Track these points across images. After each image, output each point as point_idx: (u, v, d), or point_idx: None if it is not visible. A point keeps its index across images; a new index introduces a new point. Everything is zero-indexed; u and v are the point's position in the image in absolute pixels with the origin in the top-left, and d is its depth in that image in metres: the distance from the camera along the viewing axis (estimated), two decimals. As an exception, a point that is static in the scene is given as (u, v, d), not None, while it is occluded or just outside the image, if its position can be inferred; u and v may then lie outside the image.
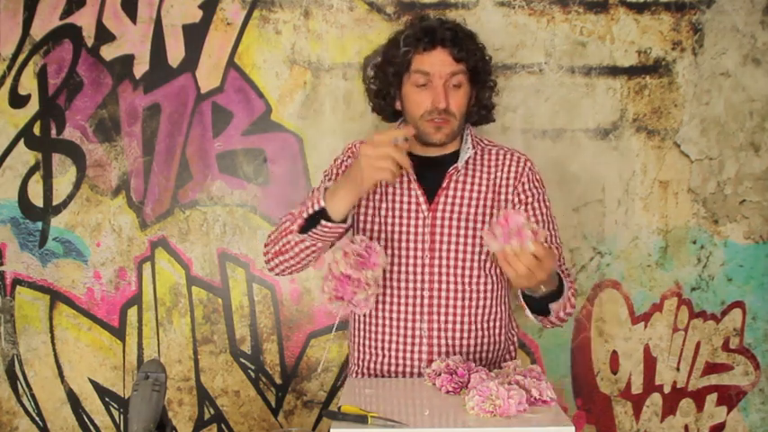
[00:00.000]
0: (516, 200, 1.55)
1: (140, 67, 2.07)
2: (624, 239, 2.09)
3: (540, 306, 1.44)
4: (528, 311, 1.47)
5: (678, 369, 2.11)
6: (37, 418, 2.13)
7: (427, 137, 1.51)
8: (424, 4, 2.03)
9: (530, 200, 1.55)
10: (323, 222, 1.37)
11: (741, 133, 2.07)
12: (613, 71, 2.06)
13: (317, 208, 1.38)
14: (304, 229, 1.41)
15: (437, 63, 1.49)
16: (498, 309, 1.58)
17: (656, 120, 2.07)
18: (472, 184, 1.55)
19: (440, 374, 1.39)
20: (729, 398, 2.12)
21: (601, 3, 2.05)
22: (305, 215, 1.39)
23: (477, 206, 1.54)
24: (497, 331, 1.58)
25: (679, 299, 2.10)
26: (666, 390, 2.12)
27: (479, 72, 1.55)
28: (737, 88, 2.06)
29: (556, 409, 1.23)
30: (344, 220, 1.39)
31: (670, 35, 2.06)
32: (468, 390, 1.27)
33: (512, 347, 1.64)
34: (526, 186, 1.56)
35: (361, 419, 1.17)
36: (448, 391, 1.35)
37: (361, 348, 1.59)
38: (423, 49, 1.50)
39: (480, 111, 1.62)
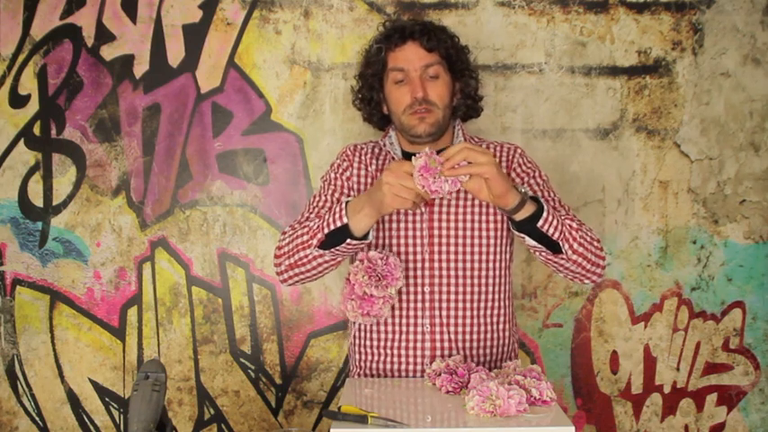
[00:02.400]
0: None
1: (140, 67, 2.07)
2: (624, 239, 2.09)
3: (536, 234, 1.38)
4: (535, 243, 1.40)
5: (678, 369, 2.11)
6: (37, 418, 2.13)
7: (412, 130, 1.52)
8: (424, 4, 2.03)
9: (524, 178, 1.56)
10: (348, 241, 1.38)
11: (741, 133, 2.07)
12: (613, 71, 2.06)
13: (339, 224, 1.38)
14: (323, 243, 1.41)
15: (410, 56, 1.51)
16: (501, 303, 1.57)
17: (656, 120, 2.07)
18: None
19: (440, 374, 1.39)
20: (729, 398, 2.12)
21: (601, 3, 2.05)
22: (326, 231, 1.39)
23: (473, 198, 1.54)
24: (501, 326, 1.57)
25: (679, 299, 2.10)
26: (666, 390, 2.12)
27: (454, 61, 1.57)
28: (737, 88, 2.06)
29: (556, 409, 1.23)
30: (366, 236, 1.39)
31: (670, 35, 2.06)
32: (468, 390, 1.27)
33: (515, 345, 1.63)
34: (519, 170, 1.57)
35: (361, 419, 1.17)
36: (448, 391, 1.35)
37: (363, 349, 1.59)
38: (395, 45, 1.53)
39: (466, 101, 1.62)
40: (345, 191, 1.57)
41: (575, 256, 1.42)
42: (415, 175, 1.28)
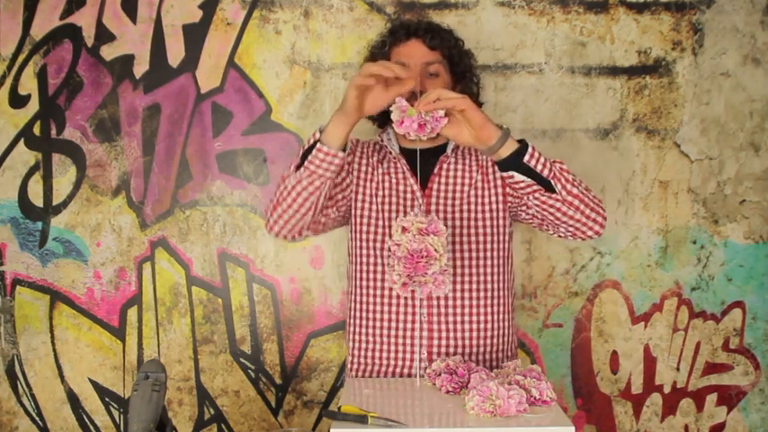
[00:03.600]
0: (505, 174, 1.56)
1: (140, 67, 2.07)
2: (624, 239, 2.09)
3: (524, 172, 1.36)
4: (526, 178, 1.37)
5: (678, 369, 2.11)
6: (37, 418, 2.13)
7: None
8: (424, 4, 2.03)
9: None
10: (317, 146, 1.36)
11: (741, 133, 2.07)
12: (613, 71, 2.06)
13: (312, 141, 1.38)
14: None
15: (412, 52, 1.54)
16: (500, 293, 1.57)
17: (656, 120, 2.07)
18: (463, 170, 1.58)
19: (440, 374, 1.39)
20: (729, 398, 2.12)
21: (601, 3, 2.05)
22: (301, 153, 1.40)
23: (468, 189, 1.56)
24: (501, 317, 1.57)
25: (679, 299, 2.10)
26: (666, 390, 2.12)
27: (456, 63, 1.59)
28: (737, 88, 2.06)
29: (556, 409, 1.23)
30: (343, 151, 1.38)
31: (670, 35, 2.06)
32: (468, 390, 1.27)
33: (515, 341, 1.64)
34: None
35: (361, 419, 1.17)
36: (448, 391, 1.35)
37: (360, 337, 1.59)
38: (399, 41, 1.56)
39: None
40: (344, 175, 1.58)
41: (569, 197, 1.38)
42: (397, 124, 1.33)
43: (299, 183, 1.41)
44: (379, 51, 1.58)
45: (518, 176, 1.38)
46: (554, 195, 1.39)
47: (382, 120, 1.69)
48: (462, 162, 1.59)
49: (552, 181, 1.37)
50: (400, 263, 1.32)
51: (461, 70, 1.61)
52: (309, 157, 1.37)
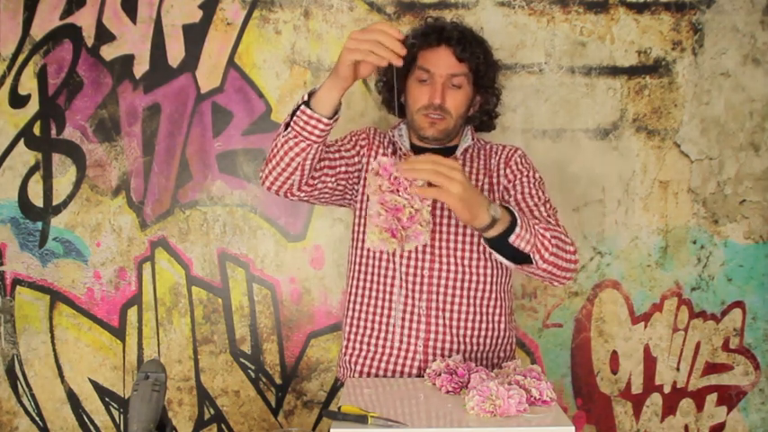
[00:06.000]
0: (505, 181, 1.59)
1: (140, 67, 2.07)
2: (624, 239, 2.09)
3: (506, 248, 1.36)
4: (503, 259, 1.39)
5: (678, 369, 2.11)
6: (37, 418, 2.13)
7: (421, 131, 1.55)
8: (424, 4, 2.03)
9: (517, 176, 1.58)
10: (302, 108, 1.32)
11: (741, 133, 2.07)
12: (613, 71, 2.06)
13: (299, 103, 1.34)
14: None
15: (440, 61, 1.53)
16: (498, 295, 1.59)
17: (656, 120, 2.07)
18: (470, 172, 1.59)
19: (440, 374, 1.39)
20: (729, 398, 2.12)
21: (601, 3, 2.05)
22: (290, 112, 1.36)
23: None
24: (497, 318, 1.58)
25: (679, 299, 2.10)
26: (666, 390, 2.12)
27: (482, 76, 1.58)
28: (737, 88, 2.06)
29: (556, 409, 1.23)
30: (331, 116, 1.33)
31: (670, 35, 2.06)
32: (468, 390, 1.27)
33: (512, 341, 1.64)
34: (513, 168, 1.60)
35: (361, 419, 1.17)
36: (448, 391, 1.35)
37: (357, 322, 1.60)
38: (428, 45, 1.54)
39: (482, 116, 1.67)
40: (353, 153, 1.58)
41: (545, 265, 1.40)
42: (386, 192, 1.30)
43: (286, 143, 1.37)
44: (409, 52, 1.55)
45: (498, 257, 1.40)
46: (530, 265, 1.40)
47: (400, 111, 1.68)
48: (470, 165, 1.61)
49: (531, 254, 1.37)
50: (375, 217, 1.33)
51: (484, 84, 1.61)
52: (294, 119, 1.34)
